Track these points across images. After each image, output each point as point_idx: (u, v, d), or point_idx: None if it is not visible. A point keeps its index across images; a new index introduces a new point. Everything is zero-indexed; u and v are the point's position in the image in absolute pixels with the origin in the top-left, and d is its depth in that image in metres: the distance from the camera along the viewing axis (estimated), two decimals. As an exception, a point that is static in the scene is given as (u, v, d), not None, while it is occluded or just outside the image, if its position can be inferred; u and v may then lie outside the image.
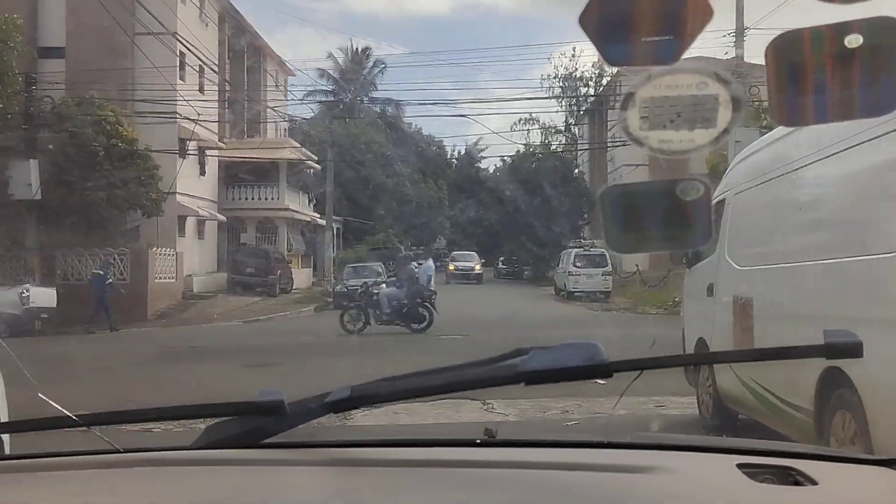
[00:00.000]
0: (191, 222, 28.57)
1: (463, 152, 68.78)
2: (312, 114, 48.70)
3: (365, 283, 25.11)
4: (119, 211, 22.22)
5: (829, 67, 1.04)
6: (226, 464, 1.37)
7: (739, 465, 1.31)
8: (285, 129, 41.88)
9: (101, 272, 21.03)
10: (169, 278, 24.81)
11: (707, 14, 1.04)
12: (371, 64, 53.35)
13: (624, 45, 1.09)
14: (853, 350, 1.26)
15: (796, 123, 1.23)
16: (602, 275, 28.89)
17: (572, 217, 40.93)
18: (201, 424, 1.47)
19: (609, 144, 48.49)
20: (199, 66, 28.25)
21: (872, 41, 1.02)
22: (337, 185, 40.14)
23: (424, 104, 68.21)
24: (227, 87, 32.77)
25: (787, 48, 1.06)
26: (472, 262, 41.66)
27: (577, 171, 45.69)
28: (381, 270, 26.72)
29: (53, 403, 1.54)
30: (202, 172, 29.49)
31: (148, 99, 24.12)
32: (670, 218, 1.22)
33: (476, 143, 69.83)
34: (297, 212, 34.12)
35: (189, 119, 24.48)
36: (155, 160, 23.68)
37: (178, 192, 27.10)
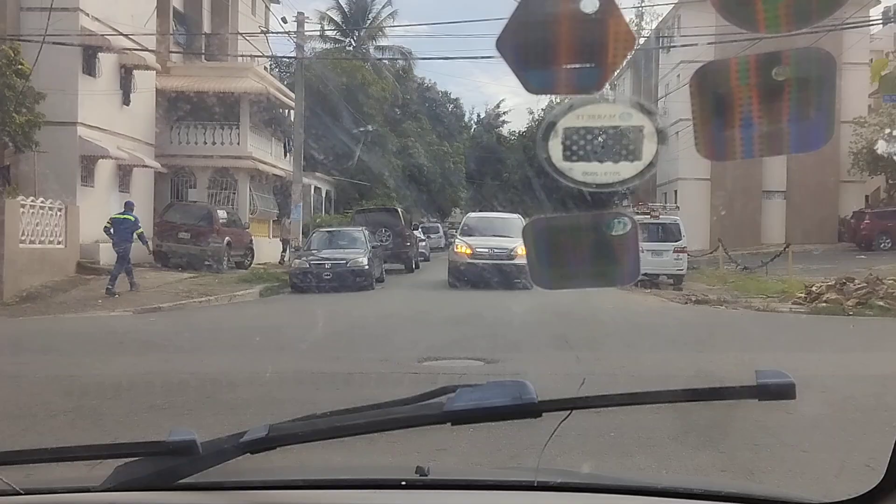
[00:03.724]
0: (106, 167, 20.66)
1: (482, 115, 60.98)
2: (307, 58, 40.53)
3: (343, 260, 17.34)
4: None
5: (755, 99, 1.00)
6: None
7: None
8: (266, 69, 33.83)
9: (132, 217, 16.21)
10: (52, 243, 17.01)
11: (629, 40, 1.01)
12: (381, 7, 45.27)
13: (544, 73, 1.05)
14: (786, 391, 1.24)
15: (722, 158, 1.08)
16: (674, 252, 20.78)
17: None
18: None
19: (661, 97, 41.00)
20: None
21: (801, 73, 0.98)
22: (328, 138, 32.28)
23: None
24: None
25: (712, 78, 1.02)
26: (511, 236, 18.11)
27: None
28: (363, 238, 18.59)
29: None
30: (126, 101, 21.52)
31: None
32: (597, 252, 1.13)
33: (498, 105, 62.01)
34: (265, 162, 25.91)
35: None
36: (25, 63, 15.87)
37: (82, 123, 19.23)
